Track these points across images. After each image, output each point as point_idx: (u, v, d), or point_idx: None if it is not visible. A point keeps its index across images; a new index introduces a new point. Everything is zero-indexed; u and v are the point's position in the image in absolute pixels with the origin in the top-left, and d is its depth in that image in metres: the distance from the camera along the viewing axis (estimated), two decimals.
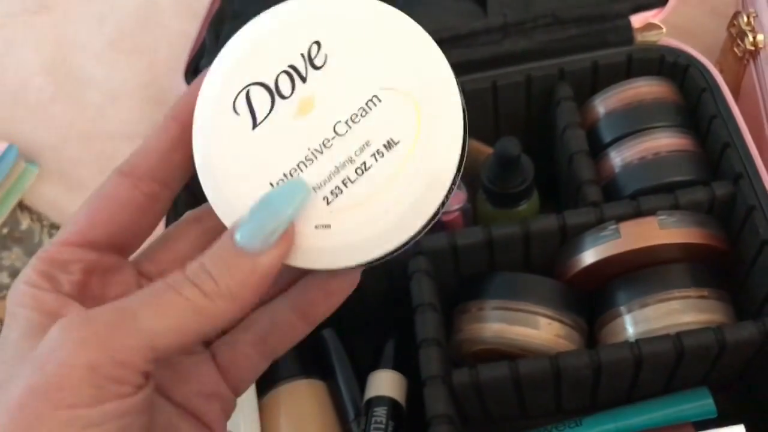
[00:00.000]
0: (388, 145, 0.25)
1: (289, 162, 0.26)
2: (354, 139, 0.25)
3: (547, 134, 0.54)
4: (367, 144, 0.25)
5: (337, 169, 0.25)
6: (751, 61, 0.52)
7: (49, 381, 0.24)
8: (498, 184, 0.47)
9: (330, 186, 0.26)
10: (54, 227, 0.67)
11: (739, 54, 0.53)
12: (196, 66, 0.58)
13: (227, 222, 0.26)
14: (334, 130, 0.25)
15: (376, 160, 0.25)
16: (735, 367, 0.45)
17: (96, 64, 0.74)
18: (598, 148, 0.50)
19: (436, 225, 0.47)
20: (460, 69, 0.53)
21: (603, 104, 0.51)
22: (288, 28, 0.26)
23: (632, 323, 0.45)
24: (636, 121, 0.49)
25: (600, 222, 0.46)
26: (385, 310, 0.51)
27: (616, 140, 0.49)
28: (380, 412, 0.43)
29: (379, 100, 0.25)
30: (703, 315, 0.44)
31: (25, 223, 0.68)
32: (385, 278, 0.49)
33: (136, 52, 0.74)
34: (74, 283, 0.27)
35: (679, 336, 0.42)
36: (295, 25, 0.26)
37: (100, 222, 0.27)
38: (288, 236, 0.26)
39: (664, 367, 0.43)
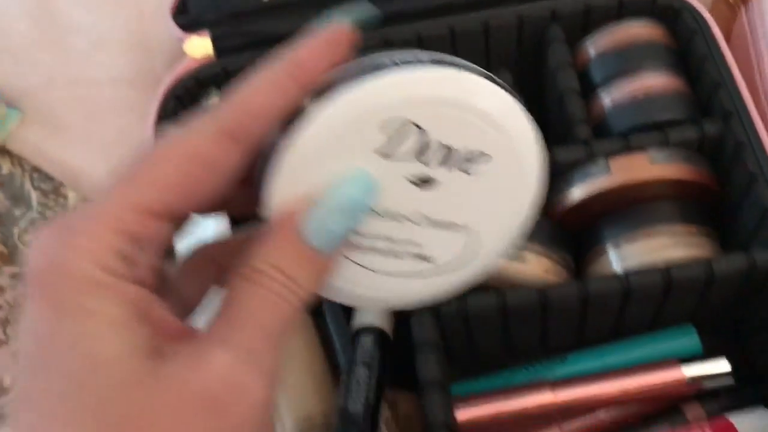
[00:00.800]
0: None
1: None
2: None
3: (537, 77, 0.54)
4: None
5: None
6: (742, 8, 0.52)
7: None
8: None
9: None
10: (36, 171, 0.66)
11: (731, 1, 0.53)
12: (184, 3, 0.57)
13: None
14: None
15: None
16: (721, 304, 0.45)
17: (81, 9, 0.73)
18: (589, 89, 0.50)
19: None
20: (451, 9, 0.52)
21: (594, 46, 0.51)
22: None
23: (619, 259, 0.45)
24: (627, 62, 0.49)
25: (590, 158, 0.46)
26: None
27: (607, 81, 0.49)
28: (367, 342, 0.43)
29: None
30: (690, 250, 0.44)
31: (5, 167, 0.67)
32: None
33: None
34: (151, 270, 0.22)
35: (668, 268, 0.42)
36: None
37: (193, 188, 0.22)
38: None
39: (651, 300, 0.43)
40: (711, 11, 0.56)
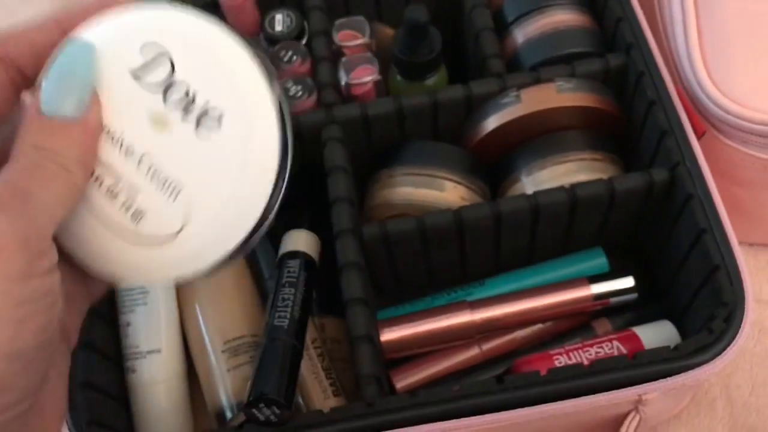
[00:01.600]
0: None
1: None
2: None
3: (455, 17, 0.56)
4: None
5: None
6: None
7: None
8: (408, 54, 0.49)
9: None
10: None
11: None
12: None
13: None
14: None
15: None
16: (625, 222, 0.48)
17: None
18: (503, 28, 0.53)
19: (349, 97, 0.49)
20: None
21: None
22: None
23: (532, 185, 0.48)
24: (537, 0, 0.52)
25: (503, 91, 0.49)
26: (300, 179, 0.53)
27: (519, 18, 0.52)
28: (293, 264, 0.44)
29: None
30: (596, 174, 0.47)
31: None
32: (299, 147, 0.50)
33: None
34: None
35: (572, 187, 0.45)
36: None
37: None
38: (96, 97, 0.28)
39: (559, 219, 0.46)
40: None
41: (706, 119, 0.46)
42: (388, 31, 0.57)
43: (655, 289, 0.50)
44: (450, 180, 0.49)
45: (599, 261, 0.50)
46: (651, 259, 0.51)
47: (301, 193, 0.52)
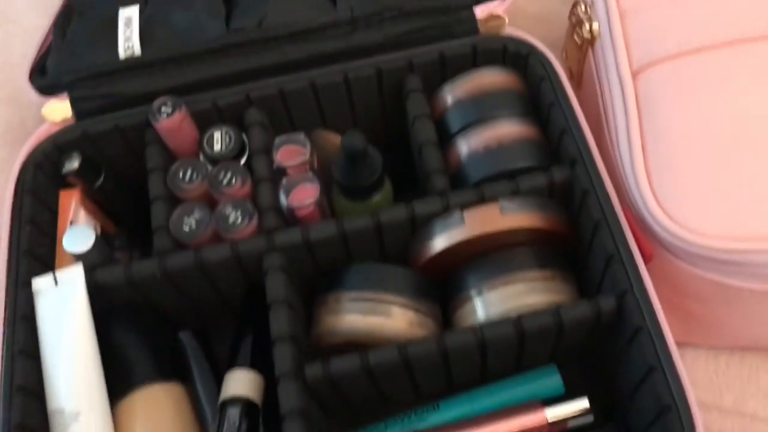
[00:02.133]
0: None
1: None
2: None
3: (402, 124, 0.55)
4: None
5: None
6: (590, 50, 0.54)
7: None
8: (349, 178, 0.47)
9: None
10: None
11: (579, 42, 0.55)
12: (43, 65, 0.56)
13: None
14: None
15: None
16: (579, 343, 0.47)
17: None
18: (447, 137, 0.51)
19: (293, 221, 0.48)
20: (311, 62, 0.53)
21: (450, 94, 0.52)
22: None
23: (482, 306, 0.47)
24: (481, 110, 0.50)
25: (446, 210, 0.47)
26: (243, 306, 0.51)
27: (463, 129, 0.51)
28: (233, 413, 0.43)
29: None
30: (547, 295, 0.46)
31: None
32: (240, 274, 0.49)
33: None
34: None
35: (519, 319, 0.44)
36: None
37: None
38: None
39: (508, 349, 0.45)
40: (565, 50, 0.59)
41: (653, 238, 0.45)
42: (332, 138, 0.55)
43: (613, 401, 0.49)
44: (397, 305, 0.47)
45: (553, 379, 0.49)
46: (607, 372, 0.49)
47: (246, 318, 0.51)
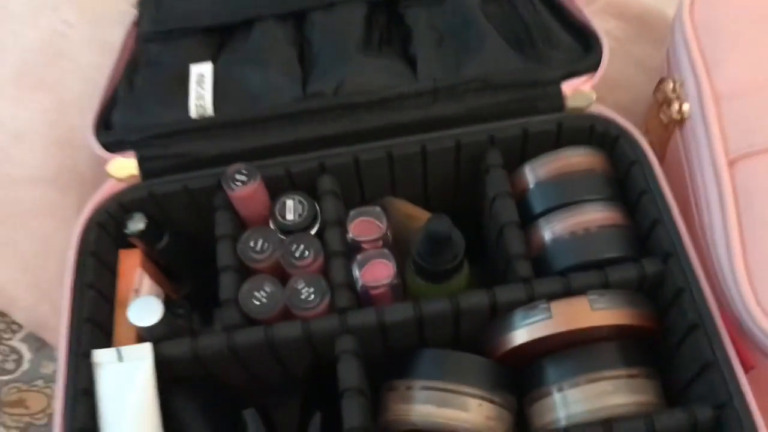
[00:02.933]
0: None
1: None
2: None
3: (477, 199, 0.53)
4: None
5: None
6: (677, 130, 0.52)
7: None
8: (429, 261, 0.45)
9: None
10: None
11: (665, 121, 0.53)
12: (108, 118, 0.54)
13: None
14: None
15: None
16: None
17: None
18: (528, 217, 0.49)
19: (365, 298, 0.46)
20: (389, 132, 0.51)
21: (533, 173, 0.50)
22: None
23: (563, 404, 0.45)
24: (566, 193, 0.48)
25: (530, 299, 0.45)
26: (311, 384, 0.49)
27: (547, 211, 0.48)
28: None
29: None
30: (633, 396, 0.44)
31: None
32: (310, 353, 0.47)
33: (42, 88, 0.69)
34: None
35: (610, 424, 0.42)
36: None
37: None
38: None
39: None
40: (646, 125, 0.56)
41: (754, 344, 0.43)
42: (403, 207, 0.53)
43: None
44: (474, 397, 0.45)
45: None
46: None
47: (313, 397, 0.49)
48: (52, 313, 0.53)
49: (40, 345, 0.58)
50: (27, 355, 0.57)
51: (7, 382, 0.56)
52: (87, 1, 0.76)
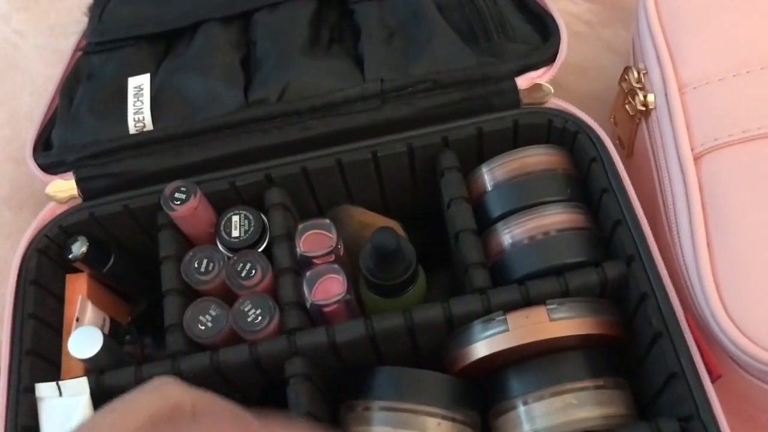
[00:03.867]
0: None
1: None
2: None
3: (437, 201, 0.50)
4: None
5: None
6: (643, 121, 0.49)
7: None
8: (378, 276, 0.43)
9: None
10: None
11: (631, 112, 0.50)
12: (48, 137, 0.52)
13: None
14: None
15: None
16: None
17: None
18: (486, 222, 0.47)
19: (317, 316, 0.44)
20: (338, 138, 0.48)
21: (490, 175, 0.47)
22: None
23: (528, 418, 0.42)
24: (524, 195, 0.46)
25: (487, 311, 0.43)
26: (267, 405, 0.47)
27: (504, 215, 0.46)
28: None
29: None
30: (600, 409, 0.42)
31: None
32: (260, 376, 0.45)
33: None
34: None
35: None
36: None
37: None
38: None
39: None
40: (614, 117, 0.54)
41: (721, 350, 0.40)
42: (357, 215, 0.51)
43: None
44: (434, 416, 0.43)
45: None
46: None
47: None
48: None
49: None
50: None
51: None
52: (41, 10, 0.74)
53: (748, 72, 0.45)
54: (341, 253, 0.47)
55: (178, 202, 0.45)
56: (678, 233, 0.43)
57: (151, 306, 0.54)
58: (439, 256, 0.52)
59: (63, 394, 0.43)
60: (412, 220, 0.53)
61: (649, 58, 0.48)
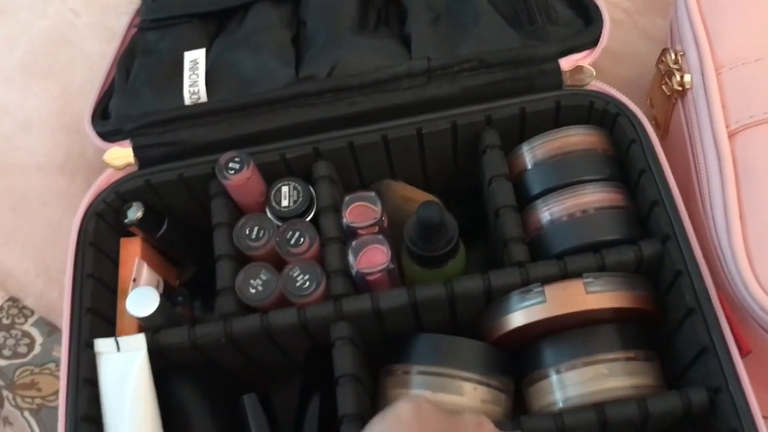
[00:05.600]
0: None
1: None
2: None
3: (478, 179, 0.52)
4: None
5: None
6: (679, 101, 0.51)
7: None
8: (422, 247, 0.45)
9: None
10: None
11: (668, 92, 0.51)
12: (105, 107, 0.54)
13: None
14: None
15: None
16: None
17: (5, 89, 0.69)
18: (526, 199, 0.48)
19: (361, 284, 0.46)
20: (384, 114, 0.50)
21: (530, 153, 0.49)
22: None
23: (559, 386, 0.44)
24: (564, 173, 0.47)
25: (525, 283, 0.45)
26: (308, 368, 0.50)
27: (544, 193, 0.48)
28: None
29: None
30: (630, 379, 0.43)
31: None
32: (306, 339, 0.47)
33: (49, 77, 0.70)
34: None
35: (602, 407, 0.41)
36: None
37: None
38: None
39: None
40: (650, 98, 0.55)
41: (754, 322, 0.42)
42: (401, 190, 0.53)
43: None
44: (470, 381, 0.45)
45: None
46: None
47: (311, 381, 0.49)
48: (61, 299, 0.54)
49: (51, 329, 0.59)
50: (39, 339, 0.59)
51: (20, 366, 0.58)
52: None
53: None
54: (385, 225, 0.49)
55: (232, 172, 0.47)
56: (711, 209, 0.45)
57: (199, 271, 0.56)
58: (473, 232, 0.53)
59: (120, 349, 0.45)
60: (450, 195, 0.55)
61: (687, 39, 0.50)
